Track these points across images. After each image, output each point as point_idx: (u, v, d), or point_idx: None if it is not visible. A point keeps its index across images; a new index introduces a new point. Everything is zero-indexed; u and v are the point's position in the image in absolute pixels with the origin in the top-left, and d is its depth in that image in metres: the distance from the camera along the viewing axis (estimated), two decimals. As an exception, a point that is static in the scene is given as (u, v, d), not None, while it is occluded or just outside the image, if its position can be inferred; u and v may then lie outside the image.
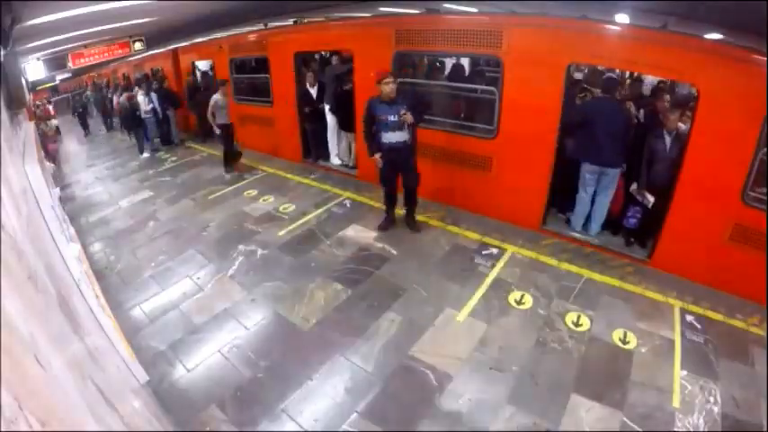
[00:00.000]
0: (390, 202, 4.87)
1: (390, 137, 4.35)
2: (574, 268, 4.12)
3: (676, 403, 2.71)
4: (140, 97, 9.16)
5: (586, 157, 4.31)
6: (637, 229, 4.31)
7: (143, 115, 9.20)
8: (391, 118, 4.26)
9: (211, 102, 6.82)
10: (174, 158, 8.75)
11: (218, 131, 7.09)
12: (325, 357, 3.15)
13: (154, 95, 9.32)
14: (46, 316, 1.36)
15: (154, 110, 9.31)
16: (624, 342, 3.21)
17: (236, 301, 3.88)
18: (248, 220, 5.43)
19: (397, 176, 4.62)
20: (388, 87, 4.22)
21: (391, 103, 4.25)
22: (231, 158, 7.32)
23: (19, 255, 1.30)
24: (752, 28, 3.55)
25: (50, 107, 15.81)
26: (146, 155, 9.14)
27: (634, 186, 4.19)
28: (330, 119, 6.53)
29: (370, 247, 4.60)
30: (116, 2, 4.01)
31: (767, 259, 3.34)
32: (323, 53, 8.25)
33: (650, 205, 4.06)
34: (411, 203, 4.81)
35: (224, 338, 3.42)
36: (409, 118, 4.21)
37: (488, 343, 3.24)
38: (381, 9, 6.85)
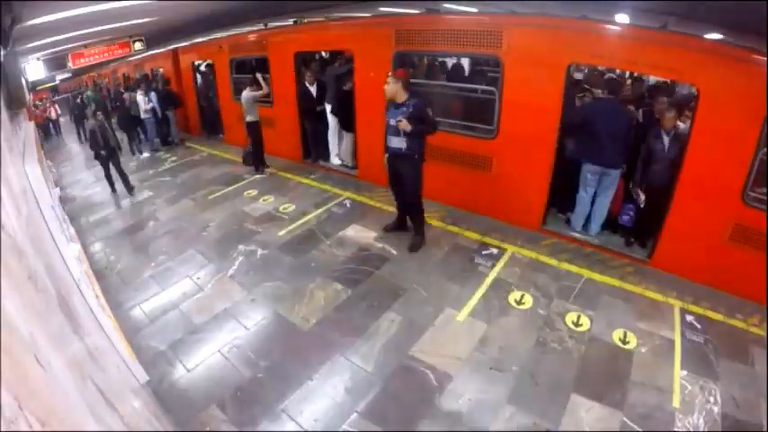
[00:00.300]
0: (398, 206, 4.74)
1: (391, 141, 4.16)
2: (574, 268, 4.12)
3: (676, 403, 2.71)
4: (140, 97, 9.16)
5: (588, 158, 4.31)
6: (635, 228, 4.32)
7: (142, 115, 9.21)
8: (391, 121, 4.06)
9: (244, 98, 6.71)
10: (173, 158, 8.75)
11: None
12: (325, 357, 3.15)
13: (153, 95, 9.32)
14: (46, 316, 1.36)
15: (153, 110, 9.31)
16: (624, 342, 3.21)
17: (236, 301, 3.88)
18: (248, 220, 5.43)
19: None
20: (387, 88, 4.03)
21: (398, 105, 4.03)
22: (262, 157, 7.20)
23: (19, 255, 1.30)
24: (752, 28, 3.54)
25: (53, 110, 15.47)
26: (145, 155, 9.15)
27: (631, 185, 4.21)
28: (331, 119, 6.54)
29: (370, 247, 4.60)
30: (116, 2, 4.01)
31: (767, 259, 3.34)
32: (323, 54, 8.25)
33: (642, 204, 4.07)
34: (411, 218, 4.56)
35: (224, 338, 3.42)
36: (404, 125, 3.90)
37: (488, 343, 3.24)
38: (381, 9, 6.84)
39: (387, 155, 4.27)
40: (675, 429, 2.56)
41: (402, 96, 4.03)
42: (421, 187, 4.32)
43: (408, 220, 4.70)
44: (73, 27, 5.49)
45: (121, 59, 11.17)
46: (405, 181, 4.29)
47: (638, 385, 2.84)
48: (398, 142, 4.10)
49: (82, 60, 8.18)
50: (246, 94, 6.66)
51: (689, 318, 3.46)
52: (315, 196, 6.00)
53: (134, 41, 8.29)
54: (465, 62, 7.57)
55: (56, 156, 10.16)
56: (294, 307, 3.74)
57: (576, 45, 4.07)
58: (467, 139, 5.05)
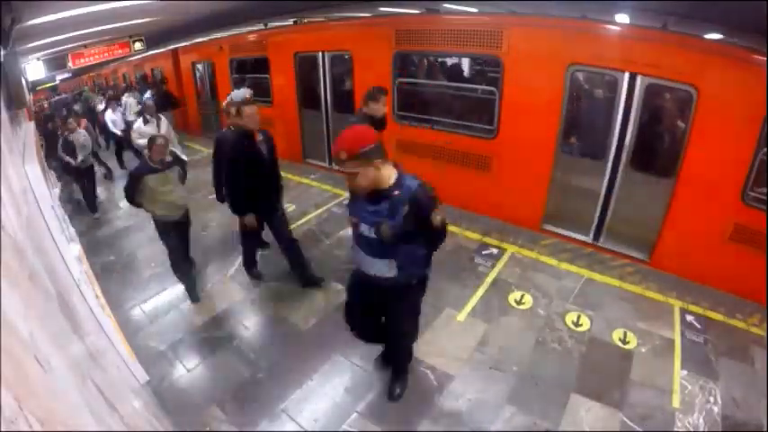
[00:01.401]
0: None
1: (364, 262, 2.24)
2: (574, 268, 4.12)
3: (676, 403, 2.71)
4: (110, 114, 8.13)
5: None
6: None
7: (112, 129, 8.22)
8: (363, 228, 2.13)
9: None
10: (174, 158, 8.73)
11: None
12: (325, 357, 3.15)
13: (149, 94, 9.14)
14: (46, 316, 1.36)
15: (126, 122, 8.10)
16: (624, 342, 3.21)
17: (236, 301, 3.88)
18: (248, 220, 5.42)
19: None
20: (362, 176, 1.99)
21: (378, 196, 2.06)
22: None
23: (19, 255, 1.29)
24: (752, 28, 3.54)
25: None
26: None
27: None
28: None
29: (370, 247, 4.59)
30: (116, 2, 4.01)
31: (767, 259, 3.34)
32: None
33: None
34: (394, 362, 2.88)
35: (224, 338, 3.42)
36: (387, 235, 2.02)
37: (488, 343, 3.24)
38: (381, 9, 6.84)
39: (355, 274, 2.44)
40: (675, 429, 2.56)
41: (386, 180, 2.05)
42: (416, 327, 2.64)
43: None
44: (73, 27, 5.49)
45: (121, 59, 11.17)
46: (391, 316, 2.53)
47: (637, 385, 2.84)
48: (381, 266, 2.16)
49: (82, 60, 8.18)
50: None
51: (689, 318, 3.46)
52: (315, 196, 6.00)
53: (134, 41, 8.28)
54: (465, 62, 7.55)
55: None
56: (294, 307, 3.74)
57: (576, 45, 4.07)
58: (467, 138, 5.04)
